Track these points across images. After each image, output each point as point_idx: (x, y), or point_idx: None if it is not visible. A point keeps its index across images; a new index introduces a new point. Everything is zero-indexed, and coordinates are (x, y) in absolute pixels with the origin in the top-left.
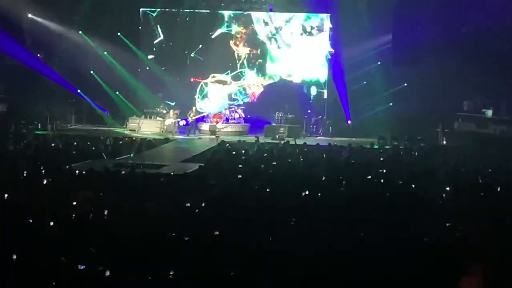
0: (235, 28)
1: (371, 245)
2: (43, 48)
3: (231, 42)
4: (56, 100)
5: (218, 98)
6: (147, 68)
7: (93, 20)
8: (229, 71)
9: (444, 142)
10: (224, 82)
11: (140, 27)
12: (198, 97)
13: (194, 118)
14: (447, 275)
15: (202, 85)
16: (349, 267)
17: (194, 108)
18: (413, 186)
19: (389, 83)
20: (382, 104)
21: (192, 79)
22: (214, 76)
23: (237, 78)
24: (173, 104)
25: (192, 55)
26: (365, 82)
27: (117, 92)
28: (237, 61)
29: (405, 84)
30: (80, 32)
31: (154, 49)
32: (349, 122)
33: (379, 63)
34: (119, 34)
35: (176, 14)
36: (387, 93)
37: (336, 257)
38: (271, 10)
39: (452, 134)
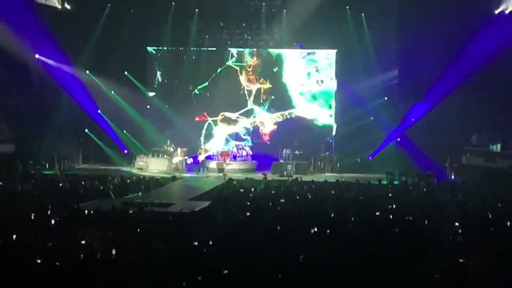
0: (245, 61)
1: (382, 282)
2: (51, 88)
3: (241, 77)
4: (63, 139)
5: (225, 138)
6: (148, 106)
7: (100, 59)
8: (239, 109)
9: (453, 177)
10: (233, 122)
11: (146, 66)
12: (203, 137)
13: (204, 156)
14: None
15: (209, 123)
16: None
17: (203, 146)
18: (423, 221)
19: (396, 118)
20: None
21: (197, 118)
22: (223, 115)
23: (247, 115)
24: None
25: (196, 91)
26: (372, 118)
27: (125, 131)
28: (247, 98)
29: (412, 119)
30: (87, 72)
31: (160, 86)
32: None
33: (385, 98)
34: (126, 73)
35: (182, 52)
36: (395, 128)
37: None
38: (301, 47)
39: (460, 168)
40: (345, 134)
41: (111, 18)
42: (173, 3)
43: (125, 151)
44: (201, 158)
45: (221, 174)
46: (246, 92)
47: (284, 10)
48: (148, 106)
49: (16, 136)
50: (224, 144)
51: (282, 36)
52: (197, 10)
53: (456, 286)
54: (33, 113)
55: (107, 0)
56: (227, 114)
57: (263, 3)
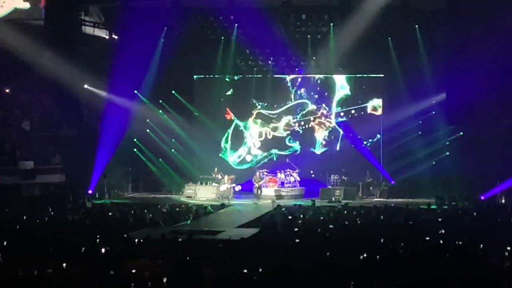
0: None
1: None
2: (100, 118)
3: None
4: (112, 168)
5: (261, 146)
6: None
7: (150, 88)
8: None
9: (503, 201)
10: (273, 121)
11: (193, 93)
12: (229, 144)
13: (259, 183)
14: None
15: (237, 124)
16: None
17: (258, 174)
18: (476, 246)
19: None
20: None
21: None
22: (258, 112)
23: (290, 112)
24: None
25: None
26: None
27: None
28: (290, 90)
29: (461, 133)
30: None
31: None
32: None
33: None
34: (173, 92)
35: (227, 80)
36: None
37: None
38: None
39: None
40: (393, 157)
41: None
42: (219, 31)
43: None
44: (257, 185)
45: (269, 201)
46: (288, 84)
47: (330, 36)
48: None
49: (67, 166)
50: (261, 154)
51: (328, 62)
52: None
53: None
54: (82, 143)
55: (153, 29)
56: (264, 111)
57: (309, 29)
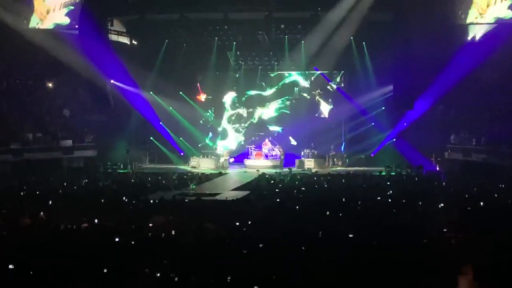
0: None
1: (382, 245)
2: (123, 106)
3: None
4: (133, 145)
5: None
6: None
7: (160, 82)
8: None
9: (438, 168)
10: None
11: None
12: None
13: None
14: (443, 274)
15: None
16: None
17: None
18: (415, 203)
19: (392, 123)
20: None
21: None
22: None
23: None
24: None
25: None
26: (373, 124)
27: (181, 138)
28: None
29: (405, 124)
30: (151, 93)
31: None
32: None
33: (383, 108)
34: (181, 93)
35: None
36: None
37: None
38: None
39: (443, 161)
40: (352, 136)
41: (168, 51)
42: (216, 38)
43: (181, 153)
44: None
45: (256, 170)
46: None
47: (302, 41)
48: (200, 121)
49: (98, 144)
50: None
51: (302, 61)
52: (234, 42)
53: (441, 250)
54: (110, 126)
55: (165, 37)
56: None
57: (286, 36)
